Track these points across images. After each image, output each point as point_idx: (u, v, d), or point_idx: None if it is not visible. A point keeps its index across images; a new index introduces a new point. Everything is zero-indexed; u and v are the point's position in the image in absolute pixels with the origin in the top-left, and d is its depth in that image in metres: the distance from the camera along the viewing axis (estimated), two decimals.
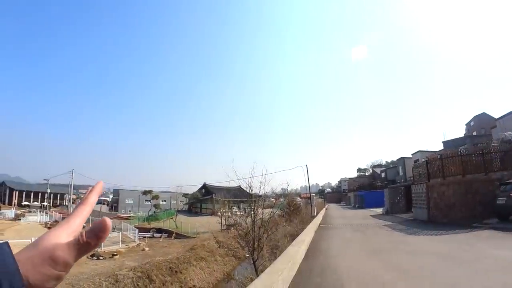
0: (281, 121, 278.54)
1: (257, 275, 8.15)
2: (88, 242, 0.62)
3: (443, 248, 10.51)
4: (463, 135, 57.47)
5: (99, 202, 74.56)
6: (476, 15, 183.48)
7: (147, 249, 28.44)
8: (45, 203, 62.74)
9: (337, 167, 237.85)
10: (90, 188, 0.77)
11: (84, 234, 0.62)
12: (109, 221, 0.64)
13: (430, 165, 22.22)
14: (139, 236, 33.11)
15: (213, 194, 55.50)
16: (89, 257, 23.56)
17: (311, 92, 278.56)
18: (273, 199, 31.32)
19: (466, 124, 63.77)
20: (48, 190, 62.39)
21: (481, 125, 55.16)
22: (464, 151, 23.62)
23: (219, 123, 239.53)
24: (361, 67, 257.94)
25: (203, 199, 61.63)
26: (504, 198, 14.91)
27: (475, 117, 59.98)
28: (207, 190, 61.72)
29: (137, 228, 35.47)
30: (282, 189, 37.13)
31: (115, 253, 25.21)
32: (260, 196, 16.79)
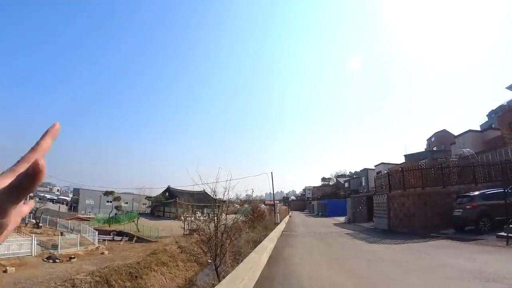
0: (248, 128, 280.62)
1: (219, 281, 7.99)
2: (21, 186, 0.50)
3: (402, 256, 10.80)
4: (424, 150, 59.68)
5: (58, 201, 71.24)
6: (442, 41, 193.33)
7: (106, 252, 27.36)
8: None
9: (302, 175, 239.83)
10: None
11: (17, 177, 0.51)
12: (42, 163, 0.49)
13: (392, 177, 22.94)
14: (98, 239, 31.81)
15: (177, 198, 54.24)
16: (45, 259, 22.39)
17: (275, 101, 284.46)
18: (237, 205, 31.10)
19: (427, 140, 66.22)
20: None
21: (441, 141, 57.47)
22: (424, 164, 24.59)
23: (187, 127, 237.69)
24: (343, 79, 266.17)
25: (167, 203, 60.13)
26: (460, 210, 15.66)
27: (436, 133, 62.52)
28: (170, 194, 60.21)
29: (96, 230, 34.02)
30: (246, 195, 36.99)
31: (73, 256, 24.07)
32: (224, 201, 16.62)
